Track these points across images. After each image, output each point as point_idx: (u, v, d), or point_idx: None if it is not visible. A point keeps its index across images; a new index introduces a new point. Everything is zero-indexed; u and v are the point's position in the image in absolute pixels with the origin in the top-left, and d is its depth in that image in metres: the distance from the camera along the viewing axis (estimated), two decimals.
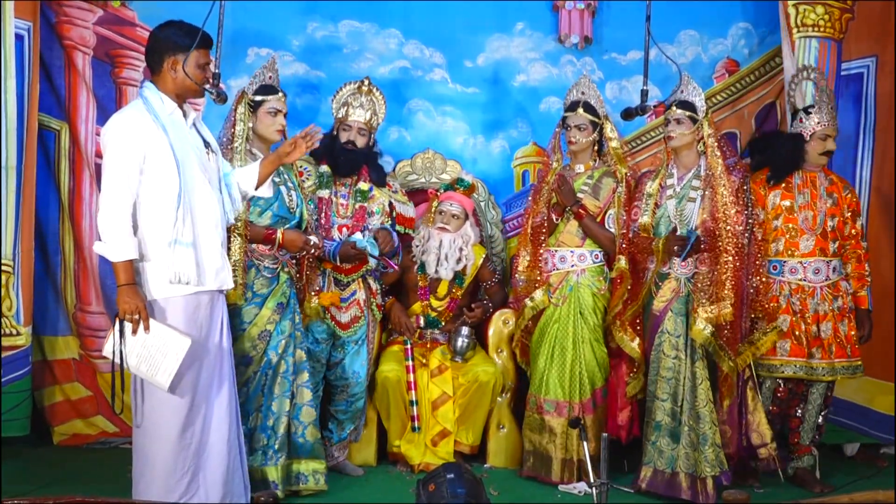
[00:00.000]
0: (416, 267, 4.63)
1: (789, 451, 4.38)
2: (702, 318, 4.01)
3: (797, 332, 4.23)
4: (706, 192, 4.09)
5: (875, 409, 4.81)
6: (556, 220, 4.39)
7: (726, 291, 3.98)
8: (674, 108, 4.14)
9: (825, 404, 4.35)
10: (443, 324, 4.66)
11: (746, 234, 4.10)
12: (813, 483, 4.28)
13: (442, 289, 4.66)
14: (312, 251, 4.00)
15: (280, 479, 3.87)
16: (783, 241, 4.27)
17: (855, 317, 4.32)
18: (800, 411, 4.34)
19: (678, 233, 4.11)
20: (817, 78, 4.47)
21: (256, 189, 3.64)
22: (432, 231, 4.58)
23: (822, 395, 4.31)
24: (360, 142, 4.34)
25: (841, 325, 4.28)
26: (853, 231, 4.34)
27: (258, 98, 4.05)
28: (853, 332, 4.30)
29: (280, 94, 4.11)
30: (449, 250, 4.55)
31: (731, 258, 3.99)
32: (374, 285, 4.44)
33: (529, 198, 4.55)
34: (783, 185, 4.31)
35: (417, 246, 4.60)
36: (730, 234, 3.99)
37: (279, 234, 3.90)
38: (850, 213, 4.33)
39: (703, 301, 4.02)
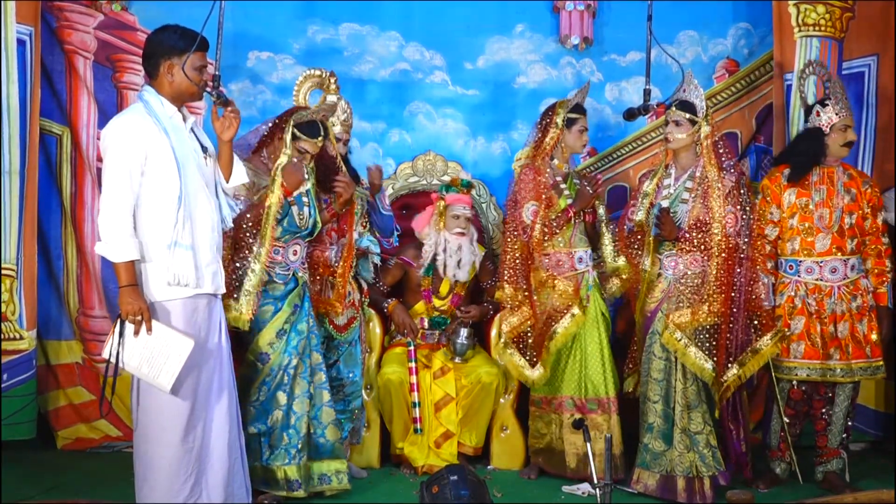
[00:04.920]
0: (421, 269, 4.64)
1: (816, 454, 4.29)
2: (672, 324, 4.00)
3: (812, 334, 4.16)
4: (698, 195, 4.08)
5: (872, 406, 4.85)
6: (573, 219, 4.38)
7: (710, 293, 3.96)
8: (673, 108, 4.12)
9: (852, 405, 4.26)
10: (449, 321, 4.68)
11: (743, 237, 4.05)
12: (843, 487, 4.15)
13: (444, 288, 4.67)
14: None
15: (302, 478, 3.87)
16: (799, 240, 4.20)
17: (875, 315, 4.21)
18: (826, 414, 4.25)
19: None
20: (822, 72, 4.38)
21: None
22: (447, 236, 4.59)
23: (848, 397, 4.22)
24: (344, 151, 4.36)
25: (859, 325, 4.17)
26: (873, 227, 4.22)
27: (298, 133, 3.89)
28: (874, 332, 4.18)
29: (320, 138, 3.96)
30: (466, 254, 4.58)
31: (719, 260, 3.97)
32: (364, 285, 4.48)
33: (531, 204, 4.32)
34: (798, 182, 4.23)
35: (428, 251, 4.61)
36: (721, 236, 3.98)
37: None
38: (869, 209, 4.22)
39: (680, 305, 4.01)
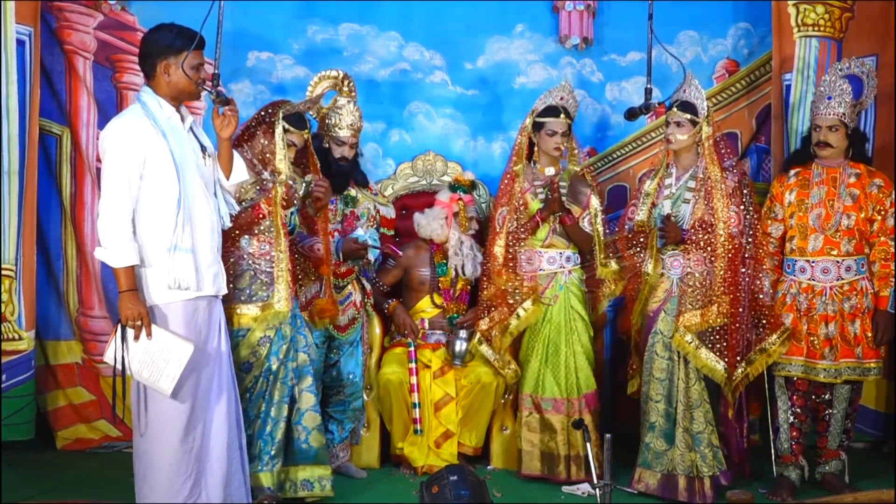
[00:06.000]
0: (435, 270, 4.66)
1: (816, 454, 4.27)
2: (682, 326, 4.00)
3: (797, 331, 4.14)
4: (700, 195, 4.08)
5: (872, 406, 4.84)
6: (542, 224, 4.40)
7: (717, 294, 3.96)
8: (674, 109, 4.12)
9: (852, 407, 4.23)
10: (458, 317, 4.68)
11: (746, 237, 4.06)
12: (842, 488, 4.13)
13: (458, 286, 4.69)
14: (295, 189, 3.88)
15: (274, 484, 3.80)
16: (795, 239, 4.19)
17: (871, 317, 4.13)
18: (827, 416, 4.21)
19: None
20: (834, 70, 4.28)
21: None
22: (462, 236, 4.64)
23: (846, 399, 4.18)
24: (351, 153, 4.35)
25: (850, 325, 4.12)
26: (882, 229, 4.12)
27: (286, 126, 3.84)
28: (868, 333, 4.12)
29: (306, 130, 3.94)
30: (477, 253, 4.64)
31: (723, 261, 3.97)
32: (368, 286, 4.47)
33: (503, 209, 4.38)
34: (800, 181, 4.22)
35: (452, 251, 4.63)
36: (725, 237, 3.98)
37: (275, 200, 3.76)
38: (876, 211, 4.13)
39: (689, 307, 4.01)
